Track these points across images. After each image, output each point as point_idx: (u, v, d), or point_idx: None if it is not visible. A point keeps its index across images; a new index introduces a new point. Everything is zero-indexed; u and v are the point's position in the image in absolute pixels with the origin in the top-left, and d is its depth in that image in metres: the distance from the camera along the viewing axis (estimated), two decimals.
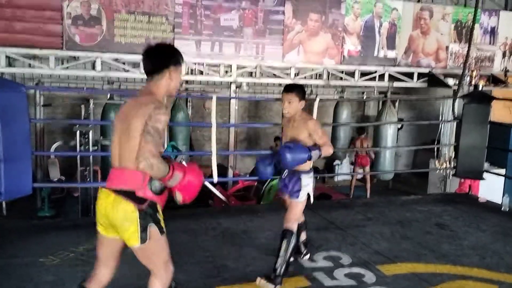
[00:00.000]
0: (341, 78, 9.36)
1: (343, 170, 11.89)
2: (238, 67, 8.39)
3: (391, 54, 9.22)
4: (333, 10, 8.65)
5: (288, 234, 3.40)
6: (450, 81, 9.23)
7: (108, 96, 8.24)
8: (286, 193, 3.57)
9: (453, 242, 4.42)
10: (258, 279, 3.31)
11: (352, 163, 11.26)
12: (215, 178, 5.38)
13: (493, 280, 3.62)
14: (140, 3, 7.51)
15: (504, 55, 10.31)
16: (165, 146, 8.94)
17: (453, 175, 6.61)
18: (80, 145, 7.89)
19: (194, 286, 3.37)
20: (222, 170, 8.18)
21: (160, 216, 2.46)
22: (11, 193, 4.33)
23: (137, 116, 2.32)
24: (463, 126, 6.01)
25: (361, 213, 5.23)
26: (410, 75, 9.47)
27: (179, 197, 2.46)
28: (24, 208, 8.01)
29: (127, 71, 7.80)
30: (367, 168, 10.12)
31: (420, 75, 9.50)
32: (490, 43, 10.12)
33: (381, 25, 9.06)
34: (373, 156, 10.07)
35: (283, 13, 8.31)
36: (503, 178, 7.51)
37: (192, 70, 8.50)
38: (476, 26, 9.43)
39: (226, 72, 8.34)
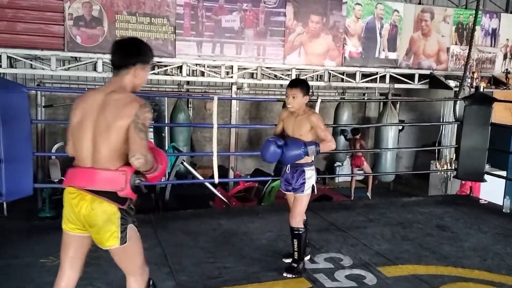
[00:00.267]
0: (342, 80, 9.37)
1: (344, 171, 11.89)
2: (239, 69, 8.40)
3: (392, 55, 9.22)
4: (334, 11, 8.66)
5: (297, 233, 3.51)
6: (451, 83, 9.25)
7: None
8: (290, 188, 3.60)
9: (454, 244, 4.42)
10: (284, 273, 3.52)
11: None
12: (216, 179, 5.38)
13: (494, 282, 3.61)
14: (141, 4, 7.52)
15: (505, 57, 10.32)
16: (166, 147, 8.97)
17: (454, 177, 6.60)
18: None
19: (195, 287, 3.37)
20: (223, 171, 8.19)
21: (133, 212, 2.42)
22: (12, 193, 4.34)
23: (121, 116, 2.26)
24: (464, 127, 6.01)
25: (362, 215, 5.22)
26: (411, 77, 9.48)
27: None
28: (25, 209, 8.01)
29: None
30: (365, 168, 10.11)
31: (421, 77, 9.51)
32: (491, 45, 10.12)
33: (382, 26, 9.06)
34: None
35: (284, 14, 8.32)
36: (504, 180, 7.49)
37: (193, 71, 8.52)
38: (477, 28, 9.44)
39: (227, 73, 8.35)
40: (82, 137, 2.33)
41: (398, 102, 11.05)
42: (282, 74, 8.97)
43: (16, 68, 7.91)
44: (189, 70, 8.23)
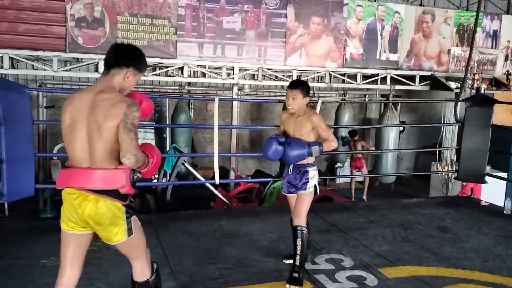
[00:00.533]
0: (343, 81, 9.37)
1: (345, 172, 11.88)
2: (241, 70, 8.42)
3: (393, 57, 9.23)
4: (336, 13, 8.67)
5: (300, 232, 3.47)
6: (452, 84, 9.25)
7: None
8: (292, 190, 3.60)
9: (455, 245, 4.41)
10: (287, 285, 3.39)
11: None
12: (217, 180, 5.39)
13: (495, 283, 3.61)
14: (143, 6, 7.54)
15: (506, 58, 10.32)
16: (168, 148, 8.97)
17: (455, 178, 6.59)
18: None
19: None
20: (224, 172, 8.19)
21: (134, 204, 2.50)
22: (14, 194, 4.34)
23: (110, 117, 2.27)
24: (465, 129, 6.00)
25: (363, 216, 5.22)
26: (412, 78, 9.48)
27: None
28: (26, 209, 8.03)
29: None
30: (363, 171, 10.12)
31: (422, 78, 9.51)
32: (492, 47, 10.13)
33: (383, 28, 9.07)
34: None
35: (286, 16, 8.33)
36: (505, 181, 7.48)
37: (194, 72, 8.53)
38: (478, 29, 9.45)
39: (229, 74, 8.36)
40: (76, 138, 2.34)
41: (399, 104, 11.06)
42: (283, 75, 8.97)
43: (18, 69, 7.93)
44: (190, 71, 8.24)
